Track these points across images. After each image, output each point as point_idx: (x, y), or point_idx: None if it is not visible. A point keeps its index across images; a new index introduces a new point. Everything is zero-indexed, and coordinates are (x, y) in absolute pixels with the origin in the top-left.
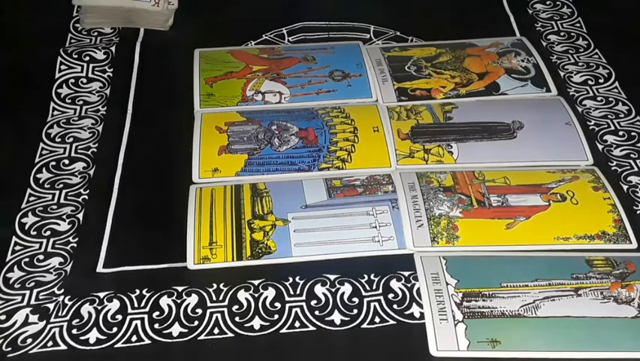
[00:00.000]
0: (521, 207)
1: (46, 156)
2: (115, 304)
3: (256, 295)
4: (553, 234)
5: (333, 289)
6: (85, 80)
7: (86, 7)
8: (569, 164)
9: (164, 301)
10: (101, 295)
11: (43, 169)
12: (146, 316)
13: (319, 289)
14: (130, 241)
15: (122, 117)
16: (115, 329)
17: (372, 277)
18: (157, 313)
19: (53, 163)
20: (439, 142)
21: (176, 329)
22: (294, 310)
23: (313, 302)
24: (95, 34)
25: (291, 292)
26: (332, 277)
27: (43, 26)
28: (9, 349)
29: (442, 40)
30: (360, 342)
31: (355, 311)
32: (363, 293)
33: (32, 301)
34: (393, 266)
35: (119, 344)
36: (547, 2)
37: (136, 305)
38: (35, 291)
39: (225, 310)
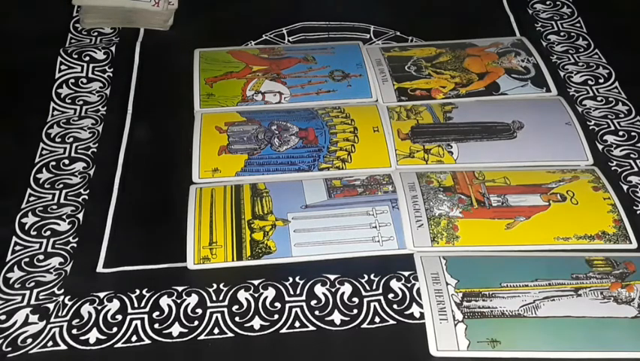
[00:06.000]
0: (521, 207)
1: (46, 156)
2: (115, 304)
3: (256, 295)
4: (553, 234)
5: (333, 289)
6: (85, 80)
7: (86, 7)
8: (569, 164)
9: (164, 301)
10: (101, 295)
11: (43, 169)
12: (146, 316)
13: (319, 289)
14: (130, 241)
15: (122, 117)
16: (115, 329)
17: (372, 277)
18: (157, 313)
19: (53, 163)
20: (439, 142)
21: (176, 329)
22: (294, 310)
23: (313, 302)
24: (95, 34)
25: (291, 292)
26: (332, 277)
27: (43, 26)
28: (9, 349)
29: (442, 40)
30: (360, 342)
31: (355, 311)
32: (363, 293)
33: (32, 301)
34: (393, 266)
35: (119, 344)
36: (547, 2)
37: (136, 305)
38: (35, 291)
39: (225, 310)
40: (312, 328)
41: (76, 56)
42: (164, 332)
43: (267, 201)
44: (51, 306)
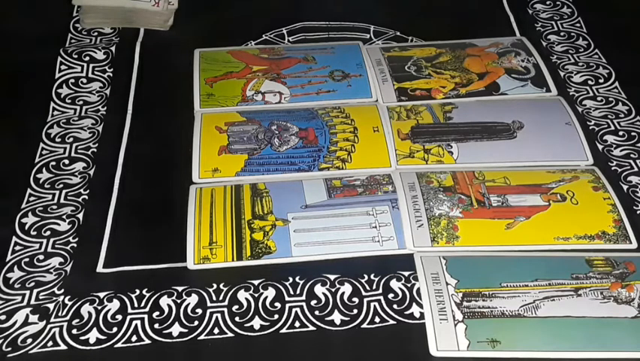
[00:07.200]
0: (521, 207)
1: (46, 156)
2: (115, 304)
3: (256, 295)
4: (553, 234)
5: (333, 289)
6: (85, 80)
7: (86, 7)
8: (569, 164)
9: (164, 301)
10: (101, 295)
11: (43, 169)
12: (146, 316)
13: (319, 289)
14: (130, 241)
15: (122, 117)
16: (115, 329)
17: (372, 277)
18: (157, 313)
19: (53, 163)
20: (439, 142)
21: (176, 329)
22: (294, 310)
23: (313, 302)
24: (95, 34)
25: (291, 292)
26: (332, 277)
27: (43, 26)
28: (9, 349)
29: (442, 40)
30: (360, 342)
31: (355, 311)
32: (363, 293)
33: (32, 301)
34: (393, 266)
35: (119, 344)
36: (548, 2)
37: (136, 305)
38: (35, 291)
39: (225, 310)
40: (312, 328)
41: (76, 56)
42: (164, 332)
43: (267, 201)
44: (51, 306)
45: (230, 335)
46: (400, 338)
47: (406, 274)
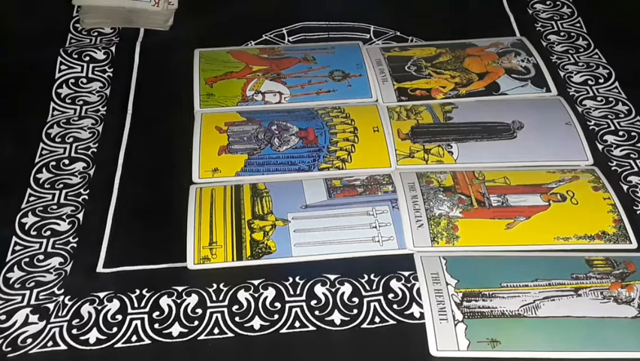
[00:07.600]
0: (521, 207)
1: (46, 156)
2: (115, 304)
3: (256, 295)
4: (553, 234)
5: (333, 289)
6: (85, 80)
7: (86, 7)
8: (569, 164)
9: (164, 301)
10: (101, 295)
11: (43, 169)
12: (146, 316)
13: (319, 289)
14: (130, 241)
15: (122, 117)
16: (115, 329)
17: (372, 277)
18: (157, 313)
19: (53, 163)
20: (439, 142)
21: (176, 329)
22: (294, 310)
23: (313, 302)
24: (95, 34)
25: (291, 292)
26: (332, 277)
27: (43, 26)
28: (9, 349)
29: (442, 40)
30: (360, 342)
31: (355, 311)
32: (363, 293)
33: (32, 301)
34: (393, 266)
35: (119, 344)
36: (548, 2)
37: (136, 305)
38: (35, 291)
39: (225, 310)
40: (312, 328)
41: (76, 56)
42: (164, 332)
43: (267, 201)
44: (51, 306)
45: (230, 335)
46: (399, 338)
47: (406, 274)
